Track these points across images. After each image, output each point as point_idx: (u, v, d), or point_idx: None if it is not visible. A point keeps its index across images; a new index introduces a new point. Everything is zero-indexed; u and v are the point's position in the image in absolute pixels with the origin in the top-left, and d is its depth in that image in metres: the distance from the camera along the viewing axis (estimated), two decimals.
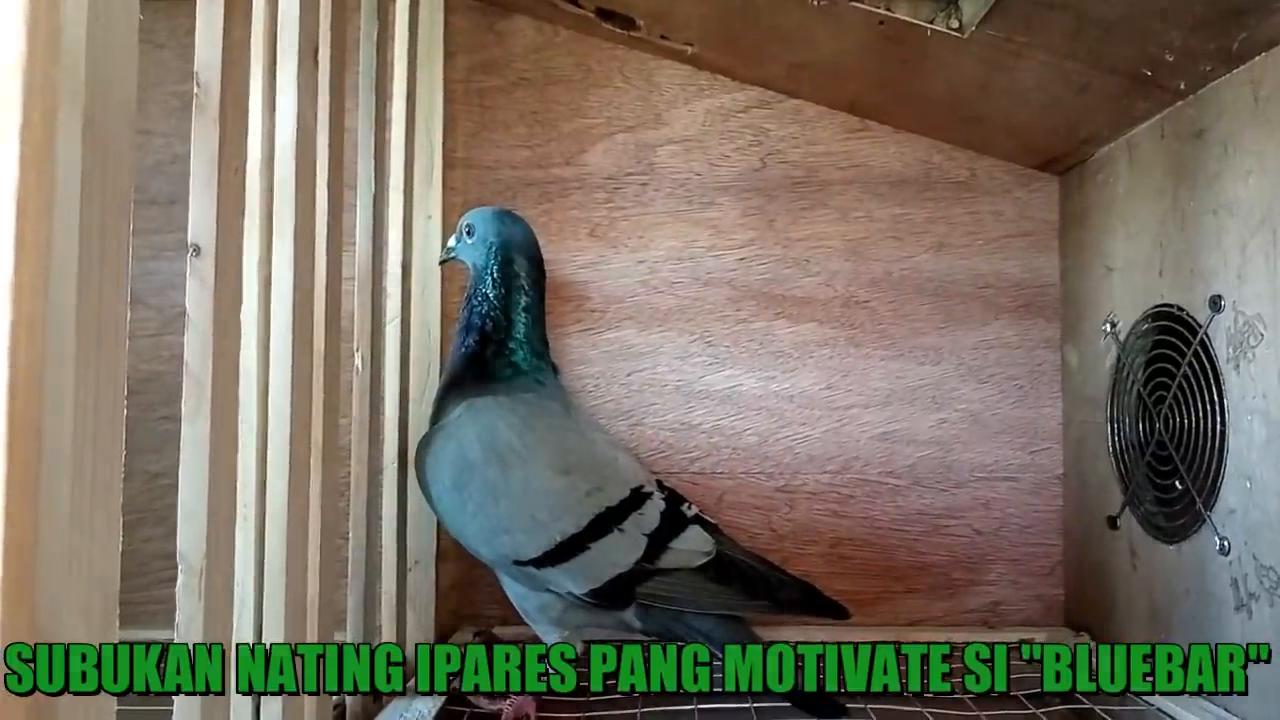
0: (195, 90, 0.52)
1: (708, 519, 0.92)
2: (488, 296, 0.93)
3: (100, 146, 0.39)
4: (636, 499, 0.87)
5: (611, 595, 0.84)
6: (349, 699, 0.83)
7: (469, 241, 0.96)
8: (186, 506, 0.50)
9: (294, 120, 0.62)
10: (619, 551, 0.84)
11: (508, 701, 0.86)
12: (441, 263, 1.04)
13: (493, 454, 0.86)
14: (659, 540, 0.85)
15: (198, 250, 0.51)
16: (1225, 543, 0.80)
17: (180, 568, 0.50)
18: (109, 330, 0.40)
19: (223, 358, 0.51)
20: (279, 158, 0.62)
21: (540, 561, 0.84)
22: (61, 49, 0.38)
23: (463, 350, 0.93)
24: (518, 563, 0.85)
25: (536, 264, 0.96)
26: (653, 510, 0.87)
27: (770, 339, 1.15)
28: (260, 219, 0.64)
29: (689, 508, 0.91)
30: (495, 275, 0.93)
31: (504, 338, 0.92)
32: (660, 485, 0.92)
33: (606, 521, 0.85)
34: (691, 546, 0.86)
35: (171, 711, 0.50)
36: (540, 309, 0.95)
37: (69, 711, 0.37)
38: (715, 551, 0.86)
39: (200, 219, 0.51)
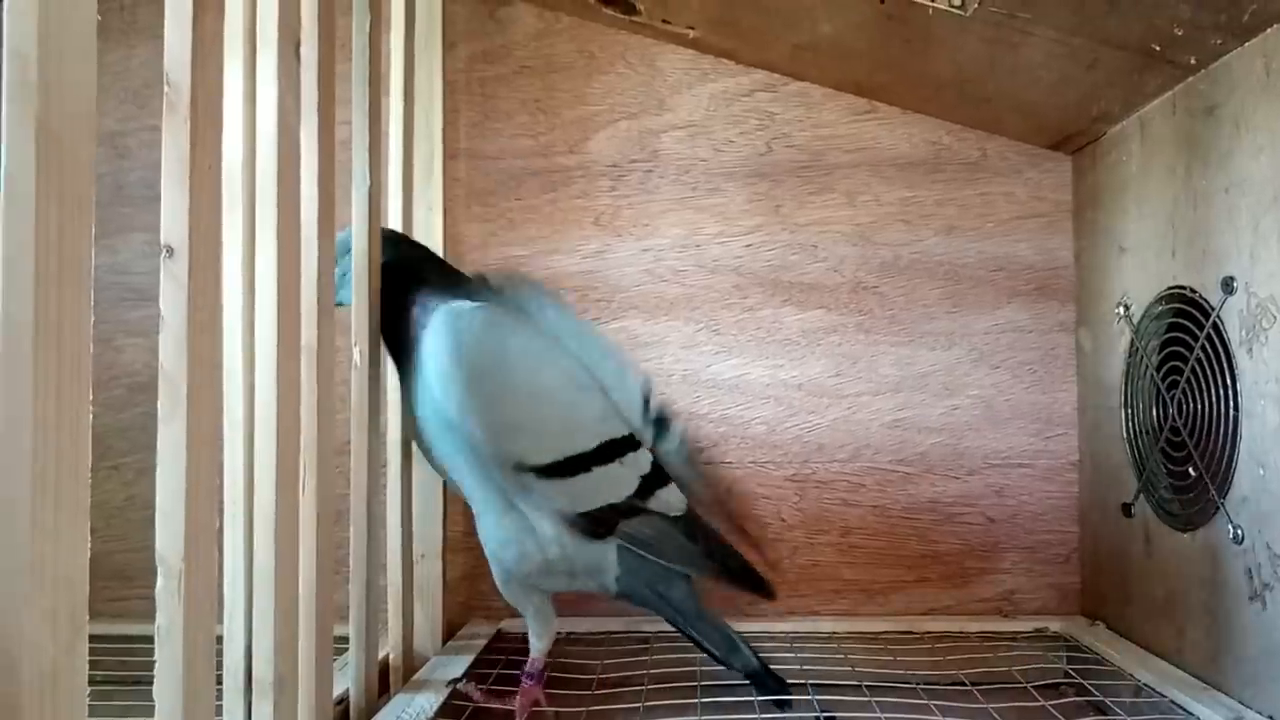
0: (165, 88, 0.51)
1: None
2: None
3: (55, 150, 0.39)
4: (633, 441, 0.88)
5: (597, 522, 0.84)
6: (352, 693, 0.83)
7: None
8: (164, 508, 0.50)
9: (275, 115, 0.62)
10: (617, 483, 0.85)
11: (520, 693, 0.86)
12: None
13: (514, 352, 0.84)
14: (649, 484, 0.87)
15: (170, 251, 0.50)
16: (1239, 531, 0.78)
17: (159, 570, 0.50)
18: (70, 334, 0.40)
19: (199, 357, 0.51)
20: (259, 154, 0.62)
21: (544, 471, 0.82)
22: (9, 51, 0.37)
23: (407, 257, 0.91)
24: (519, 467, 0.82)
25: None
26: (645, 457, 0.88)
27: (778, 326, 1.14)
28: (244, 216, 0.64)
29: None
30: None
31: None
32: None
33: (611, 451, 0.85)
34: (672, 499, 0.88)
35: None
36: None
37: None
38: (687, 509, 0.89)
39: (172, 219, 0.50)
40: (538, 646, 0.88)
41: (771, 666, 0.89)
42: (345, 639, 0.83)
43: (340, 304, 0.83)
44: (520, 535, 0.85)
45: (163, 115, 0.51)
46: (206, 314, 0.52)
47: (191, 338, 0.50)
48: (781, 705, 0.85)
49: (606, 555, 0.87)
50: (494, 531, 0.87)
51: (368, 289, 0.87)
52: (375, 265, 0.88)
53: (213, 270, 0.53)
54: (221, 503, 0.61)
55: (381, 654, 0.90)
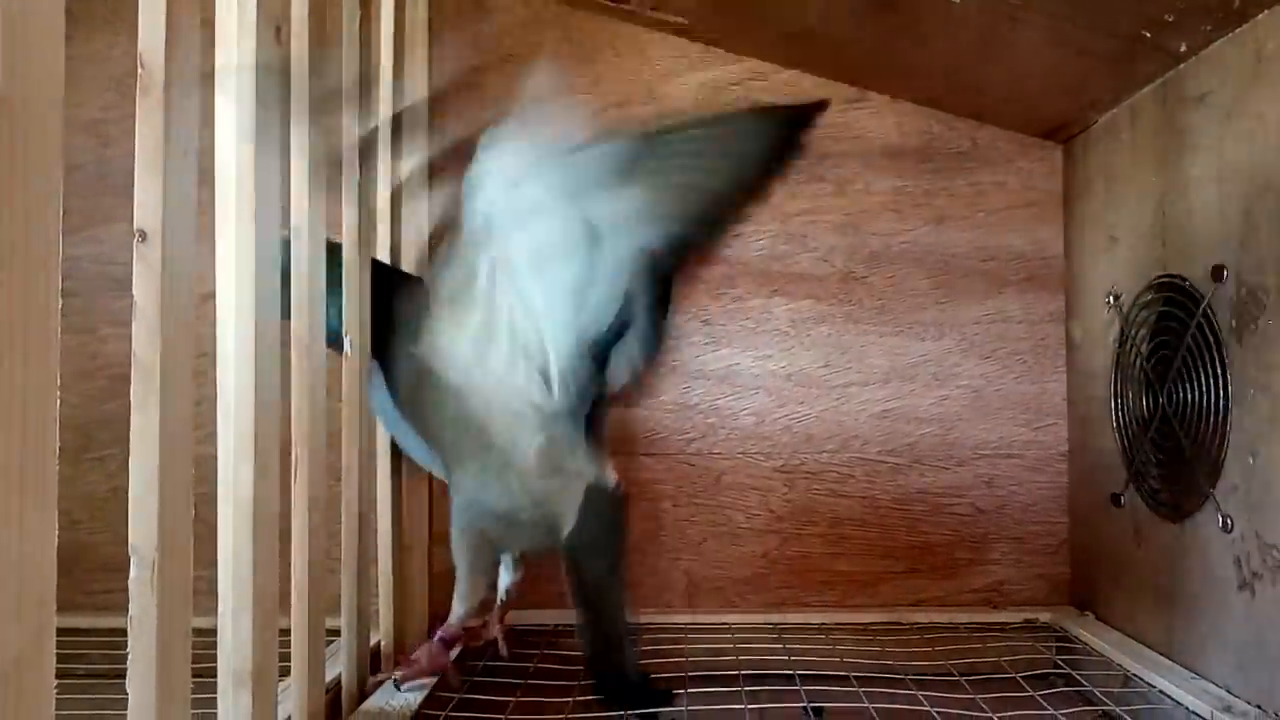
0: (139, 70, 0.50)
1: None
2: None
3: (19, 134, 0.38)
4: None
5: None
6: (344, 679, 0.82)
7: None
8: (137, 498, 0.49)
9: (252, 101, 0.61)
10: None
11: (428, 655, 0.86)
12: None
13: None
14: None
15: (144, 235, 0.49)
16: (1228, 520, 0.78)
17: (132, 561, 0.49)
18: (36, 321, 0.39)
19: (172, 344, 0.50)
20: (239, 140, 0.61)
21: None
22: None
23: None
24: None
25: None
26: None
27: (767, 317, 1.13)
28: (235, 203, 0.62)
29: None
30: None
31: None
32: None
33: None
34: None
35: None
36: None
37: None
38: None
39: (146, 204, 0.49)
40: (458, 611, 0.87)
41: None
42: (334, 630, 0.82)
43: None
44: (483, 479, 0.84)
45: (136, 99, 0.50)
46: (181, 300, 0.51)
47: (165, 324, 0.49)
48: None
49: (566, 500, 0.84)
50: (460, 485, 0.86)
51: (359, 281, 0.86)
52: (367, 258, 0.88)
53: (187, 256, 0.52)
54: (215, 495, 0.60)
55: (372, 642, 0.90)
